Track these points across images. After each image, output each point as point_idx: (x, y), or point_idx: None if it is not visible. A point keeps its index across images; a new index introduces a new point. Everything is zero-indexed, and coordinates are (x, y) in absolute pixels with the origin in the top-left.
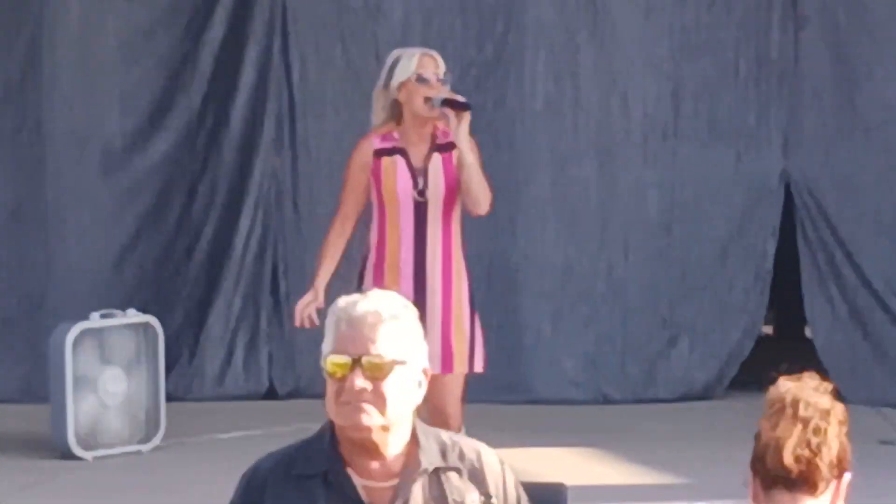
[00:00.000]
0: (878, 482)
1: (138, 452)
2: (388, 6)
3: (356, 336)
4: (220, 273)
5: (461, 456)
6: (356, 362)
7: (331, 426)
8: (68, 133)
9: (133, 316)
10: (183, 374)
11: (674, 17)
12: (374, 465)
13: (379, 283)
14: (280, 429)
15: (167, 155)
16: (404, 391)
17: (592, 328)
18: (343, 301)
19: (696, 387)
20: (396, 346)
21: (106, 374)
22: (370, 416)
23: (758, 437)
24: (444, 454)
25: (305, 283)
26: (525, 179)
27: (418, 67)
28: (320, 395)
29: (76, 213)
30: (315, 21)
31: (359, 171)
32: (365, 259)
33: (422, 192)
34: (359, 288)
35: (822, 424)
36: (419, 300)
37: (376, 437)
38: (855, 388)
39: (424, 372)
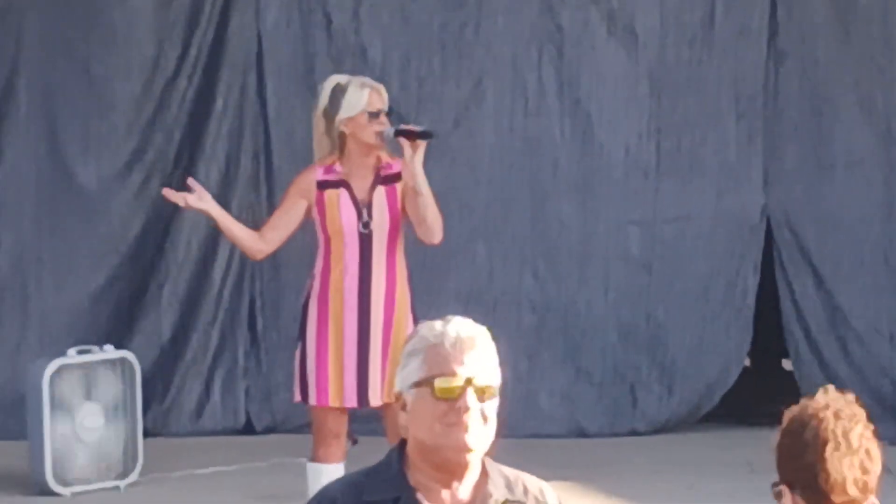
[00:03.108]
0: None
1: (116, 488)
2: (366, 43)
3: (463, 357)
4: (198, 309)
5: (525, 490)
6: (468, 383)
7: (399, 453)
8: (44, 176)
9: (110, 352)
10: (160, 409)
11: (654, 54)
12: (445, 493)
13: (324, 312)
14: (257, 464)
15: (144, 194)
16: (495, 415)
17: (570, 364)
18: (438, 325)
19: (673, 420)
20: (494, 370)
21: (83, 409)
22: (476, 437)
23: (792, 459)
24: (509, 487)
25: (282, 319)
26: (504, 216)
27: (368, 104)
28: (297, 430)
29: (53, 253)
30: (291, 57)
31: (297, 196)
32: (309, 289)
33: (366, 225)
34: (303, 317)
35: (871, 446)
36: (363, 331)
37: (472, 458)
38: None
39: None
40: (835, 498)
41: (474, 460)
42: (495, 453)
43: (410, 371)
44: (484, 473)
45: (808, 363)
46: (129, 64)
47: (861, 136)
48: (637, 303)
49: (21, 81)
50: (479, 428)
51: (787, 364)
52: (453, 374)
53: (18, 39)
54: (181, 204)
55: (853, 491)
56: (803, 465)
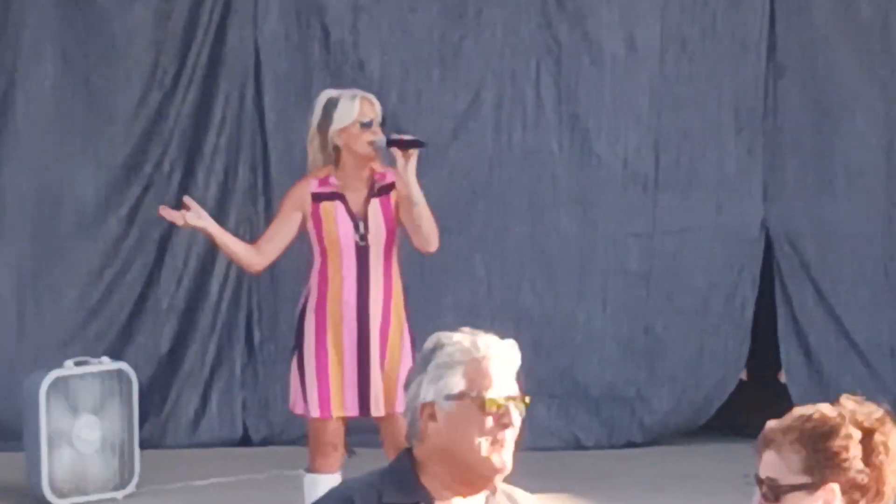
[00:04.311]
0: None
1: (113, 500)
2: (364, 55)
3: (508, 375)
4: (195, 320)
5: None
6: (513, 399)
7: (410, 459)
8: (42, 190)
9: (107, 363)
10: (157, 421)
11: (654, 67)
12: (457, 500)
13: (322, 324)
14: (254, 475)
15: (142, 206)
16: None
17: (568, 377)
18: (479, 339)
19: (670, 432)
20: None
21: (80, 421)
22: (511, 457)
23: (856, 462)
24: (511, 500)
25: (279, 331)
26: (503, 228)
27: (360, 114)
28: (294, 442)
29: (51, 265)
30: (288, 70)
31: (292, 208)
32: (305, 300)
33: (363, 237)
34: (300, 328)
35: None
36: (362, 342)
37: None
38: None
39: None
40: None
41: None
42: None
43: (448, 383)
44: (493, 485)
45: (805, 377)
46: (128, 76)
47: (862, 149)
48: (635, 316)
49: (19, 93)
50: (512, 446)
51: (783, 377)
52: (500, 389)
53: (16, 51)
54: (179, 223)
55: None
56: (874, 469)
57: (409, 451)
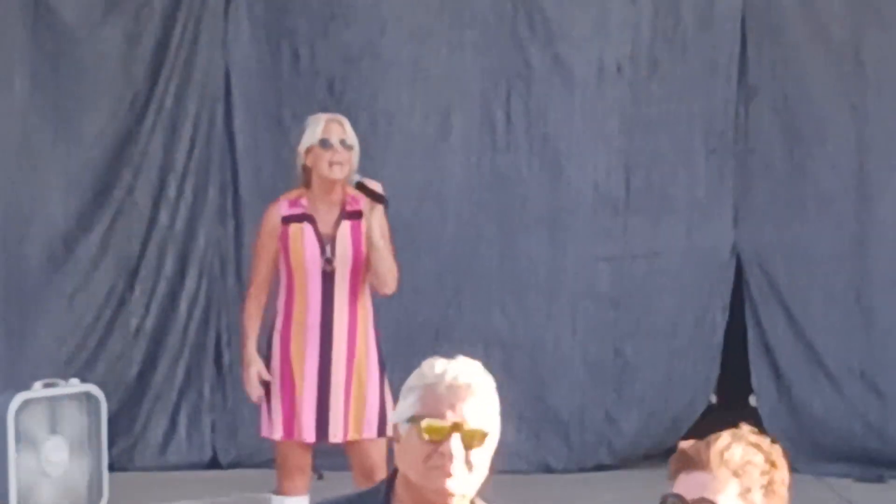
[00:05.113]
0: None
1: None
2: (334, 77)
3: (456, 401)
4: (164, 342)
5: None
6: (456, 427)
7: (389, 482)
8: (11, 212)
9: (76, 386)
10: (126, 443)
11: (624, 90)
12: None
13: (286, 348)
14: (223, 498)
15: (112, 228)
16: (486, 462)
17: (538, 400)
18: (439, 365)
19: (639, 455)
20: (488, 417)
21: (48, 443)
22: (459, 483)
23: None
24: None
25: None
26: (472, 251)
27: (323, 132)
28: (262, 465)
29: (20, 288)
30: (258, 92)
31: (270, 239)
32: (273, 323)
33: (329, 261)
34: (268, 352)
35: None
36: (324, 368)
37: (455, 501)
38: (800, 459)
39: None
40: None
41: (458, 502)
42: None
43: (406, 406)
44: None
45: (775, 400)
46: (98, 98)
47: (833, 172)
48: (605, 339)
49: None
50: (464, 474)
51: (753, 401)
52: (442, 417)
53: None
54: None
55: None
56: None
57: (394, 472)
